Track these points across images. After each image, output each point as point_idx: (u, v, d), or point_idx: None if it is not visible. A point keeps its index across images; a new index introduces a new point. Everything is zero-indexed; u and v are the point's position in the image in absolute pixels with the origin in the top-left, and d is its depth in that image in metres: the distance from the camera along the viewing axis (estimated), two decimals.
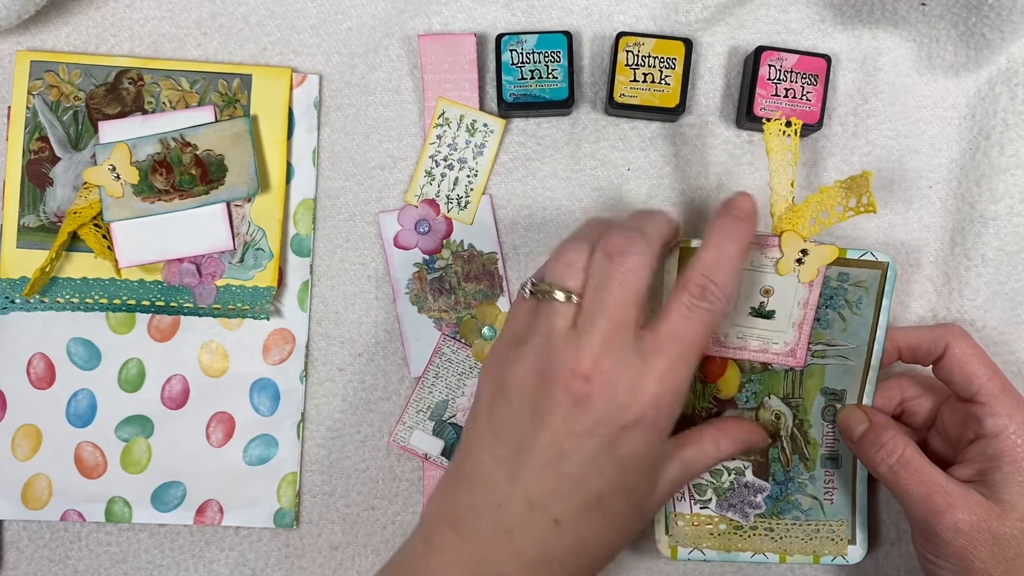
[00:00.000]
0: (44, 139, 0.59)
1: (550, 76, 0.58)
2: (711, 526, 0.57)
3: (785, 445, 0.57)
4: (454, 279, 0.60)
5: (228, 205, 0.59)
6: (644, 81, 0.58)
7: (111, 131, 0.58)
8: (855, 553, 0.57)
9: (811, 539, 0.57)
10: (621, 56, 0.57)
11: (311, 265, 0.60)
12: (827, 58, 0.58)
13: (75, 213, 0.57)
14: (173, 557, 0.60)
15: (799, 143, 0.53)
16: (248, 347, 0.60)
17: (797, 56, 0.57)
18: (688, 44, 0.58)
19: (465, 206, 0.60)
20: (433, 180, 0.60)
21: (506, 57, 0.58)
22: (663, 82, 0.58)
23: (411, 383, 0.60)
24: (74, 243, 0.59)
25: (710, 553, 0.57)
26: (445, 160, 0.60)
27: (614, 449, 0.46)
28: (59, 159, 0.59)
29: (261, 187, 0.59)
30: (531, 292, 0.49)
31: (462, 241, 0.60)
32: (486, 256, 0.60)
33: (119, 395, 0.60)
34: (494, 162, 0.60)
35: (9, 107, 0.59)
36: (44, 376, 0.59)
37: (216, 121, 0.59)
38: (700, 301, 0.47)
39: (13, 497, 0.59)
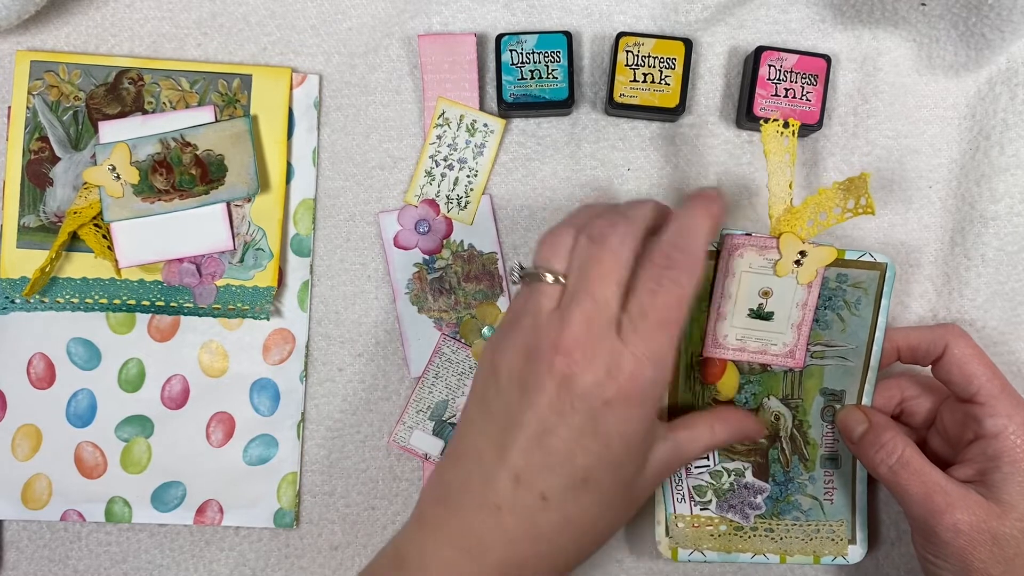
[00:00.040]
0: (44, 139, 0.59)
1: (550, 76, 0.58)
2: (711, 527, 0.57)
3: (785, 446, 0.57)
4: (454, 279, 0.60)
5: (228, 205, 0.59)
6: (644, 81, 0.58)
7: (111, 131, 0.58)
8: (855, 553, 0.57)
9: (811, 539, 0.57)
10: (621, 56, 0.57)
11: (311, 265, 0.60)
12: (827, 58, 0.58)
13: (75, 213, 0.57)
14: (173, 557, 0.60)
15: (797, 144, 0.53)
16: (248, 347, 0.60)
17: (797, 56, 0.57)
18: (688, 44, 0.58)
19: (465, 206, 0.60)
20: (433, 180, 0.60)
21: (506, 57, 0.58)
22: (663, 82, 0.58)
23: (411, 383, 0.60)
24: (74, 243, 0.59)
25: (710, 554, 0.57)
26: (445, 160, 0.60)
27: (598, 425, 0.46)
28: (59, 159, 0.59)
29: (261, 187, 0.59)
30: (520, 276, 0.50)
31: (462, 241, 0.60)
32: (486, 256, 0.60)
33: (119, 395, 0.60)
34: (494, 162, 0.60)
35: (9, 107, 0.59)
36: (44, 376, 0.60)
37: (216, 121, 0.59)
38: (666, 269, 0.47)
39: (13, 497, 0.59)
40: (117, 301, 0.59)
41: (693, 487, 0.57)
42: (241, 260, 0.59)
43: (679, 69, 0.58)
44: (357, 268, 0.60)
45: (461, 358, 0.59)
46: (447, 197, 0.60)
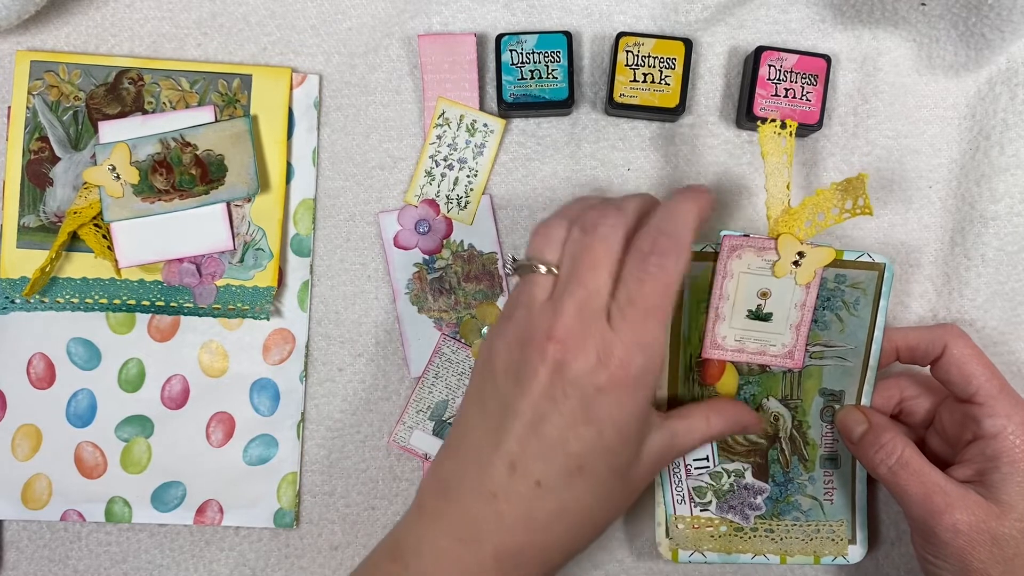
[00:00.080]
0: (44, 139, 0.59)
1: (550, 76, 0.58)
2: (711, 528, 0.57)
3: (784, 446, 0.57)
4: (454, 279, 0.60)
5: (228, 205, 0.59)
6: (644, 81, 0.58)
7: (111, 131, 0.58)
8: (855, 553, 0.58)
9: (811, 539, 0.57)
10: (621, 56, 0.57)
11: (311, 265, 0.60)
12: (827, 58, 0.58)
13: (75, 213, 0.57)
14: (173, 557, 0.60)
15: (794, 145, 0.53)
16: (248, 347, 0.60)
17: (797, 56, 0.57)
18: (688, 44, 0.57)
19: (465, 206, 0.60)
20: (433, 180, 0.60)
21: (506, 57, 0.58)
22: (663, 82, 0.58)
23: (411, 383, 0.60)
24: (74, 243, 0.59)
25: (711, 555, 0.57)
26: (445, 160, 0.60)
27: (590, 411, 0.46)
28: (59, 159, 0.59)
29: (261, 187, 0.59)
30: (513, 269, 0.51)
31: (462, 241, 0.60)
32: (486, 256, 0.60)
33: (119, 395, 0.60)
34: (494, 162, 0.60)
35: (9, 107, 0.59)
36: (44, 376, 0.60)
37: (216, 121, 0.59)
38: (651, 255, 0.47)
39: (13, 497, 0.59)
40: (117, 301, 0.59)
41: (693, 488, 0.57)
42: (241, 260, 0.59)
43: (679, 69, 0.58)
44: (357, 268, 0.60)
45: (461, 358, 0.60)
46: (447, 197, 0.60)
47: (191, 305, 0.59)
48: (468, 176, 0.60)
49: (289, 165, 0.60)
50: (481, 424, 0.49)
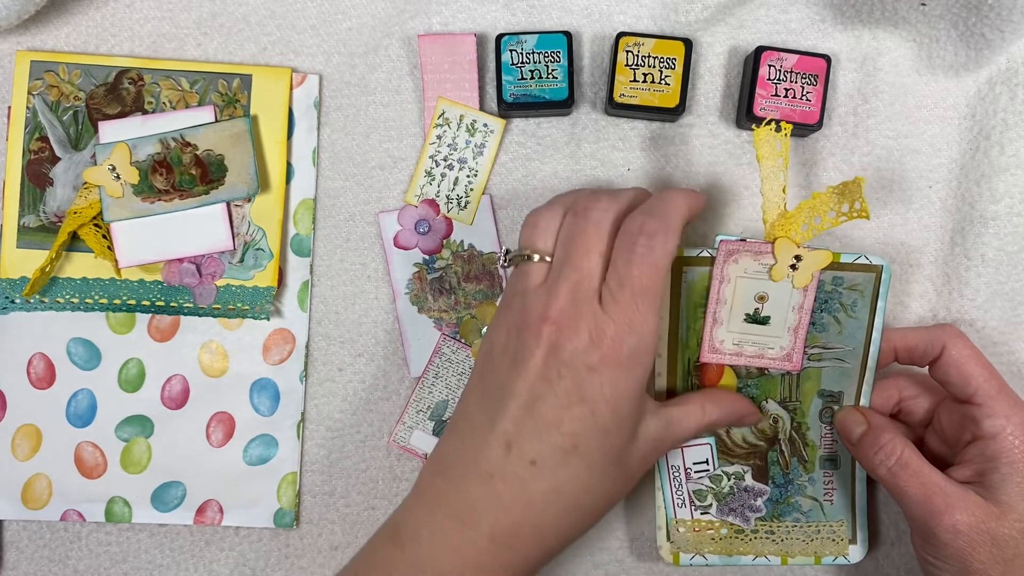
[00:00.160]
0: (44, 139, 0.59)
1: (550, 76, 0.58)
2: (712, 531, 0.57)
3: (784, 448, 0.57)
4: (454, 279, 0.60)
5: (228, 205, 0.59)
6: (644, 81, 0.58)
7: (111, 131, 0.58)
8: (856, 553, 0.58)
9: (812, 540, 0.57)
10: (621, 56, 0.57)
11: (311, 265, 0.60)
12: (827, 58, 0.58)
13: (75, 213, 0.57)
14: (173, 557, 0.60)
15: (790, 147, 0.53)
16: (248, 347, 0.60)
17: (797, 56, 0.57)
18: (688, 44, 0.57)
19: (465, 206, 0.60)
20: (433, 180, 0.60)
21: (506, 57, 0.58)
22: (663, 82, 0.58)
23: (411, 383, 0.60)
24: (74, 243, 0.59)
25: (712, 558, 0.57)
26: (445, 160, 0.60)
27: (584, 391, 0.47)
28: (59, 159, 0.59)
29: (261, 187, 0.59)
30: (508, 260, 0.52)
31: (462, 241, 0.60)
32: (486, 256, 0.60)
33: (119, 395, 0.60)
34: (494, 162, 0.60)
35: (9, 107, 0.59)
36: (44, 376, 0.60)
37: (216, 121, 0.59)
38: (639, 235, 0.48)
39: (13, 497, 0.59)
40: (117, 301, 0.59)
41: (693, 491, 0.57)
42: (241, 260, 0.59)
43: (679, 69, 0.58)
44: (357, 268, 0.60)
45: (461, 358, 0.60)
46: (447, 197, 0.60)
47: (191, 305, 0.59)
48: (468, 176, 0.60)
49: (289, 165, 0.60)
50: (480, 407, 0.50)
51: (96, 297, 0.59)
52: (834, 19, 0.60)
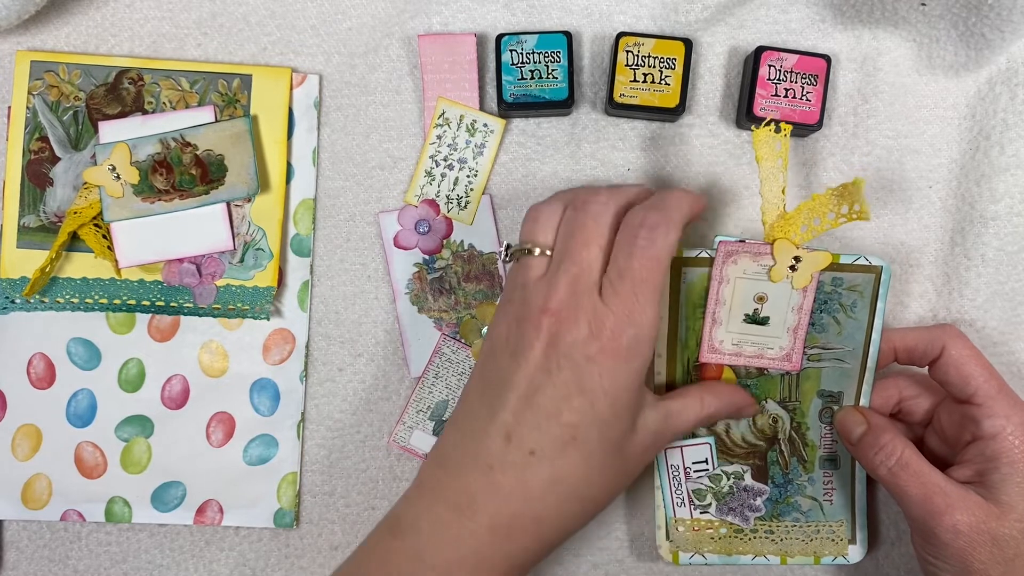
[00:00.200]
0: (44, 139, 0.59)
1: (550, 76, 0.58)
2: (711, 530, 0.57)
3: (783, 448, 0.57)
4: (454, 279, 0.60)
5: (228, 205, 0.59)
6: (644, 81, 0.58)
7: (111, 131, 0.58)
8: (855, 553, 0.58)
9: (811, 540, 0.57)
10: (621, 56, 0.57)
11: (311, 265, 0.60)
12: (827, 58, 0.58)
13: (75, 213, 0.57)
14: (173, 557, 0.60)
15: (789, 148, 0.53)
16: (248, 347, 0.60)
17: (797, 56, 0.57)
18: (688, 44, 0.57)
19: (465, 206, 0.60)
20: (433, 180, 0.60)
21: (506, 57, 0.58)
22: (663, 82, 0.58)
23: (411, 383, 0.60)
24: (74, 243, 0.59)
25: (711, 557, 0.57)
26: (445, 160, 0.60)
27: (583, 381, 0.48)
28: (59, 159, 0.59)
29: (261, 187, 0.59)
30: (508, 255, 0.53)
31: (462, 241, 0.60)
32: (486, 256, 0.60)
33: (119, 395, 0.60)
34: (494, 162, 0.60)
35: (9, 107, 0.59)
36: (44, 376, 0.60)
37: (216, 121, 0.59)
38: (640, 228, 0.49)
39: (13, 497, 0.59)
40: (117, 301, 0.59)
41: (692, 491, 0.57)
42: (241, 260, 0.59)
43: (679, 69, 0.58)
44: (357, 268, 0.60)
45: (461, 358, 0.60)
46: (447, 197, 0.60)
47: (191, 305, 0.59)
48: (468, 176, 0.60)
49: (289, 165, 0.60)
50: (480, 399, 0.50)
51: (96, 297, 0.59)
52: (834, 19, 0.60)
